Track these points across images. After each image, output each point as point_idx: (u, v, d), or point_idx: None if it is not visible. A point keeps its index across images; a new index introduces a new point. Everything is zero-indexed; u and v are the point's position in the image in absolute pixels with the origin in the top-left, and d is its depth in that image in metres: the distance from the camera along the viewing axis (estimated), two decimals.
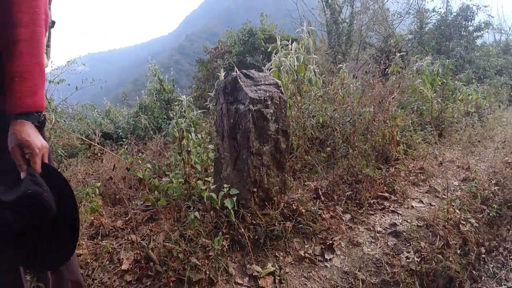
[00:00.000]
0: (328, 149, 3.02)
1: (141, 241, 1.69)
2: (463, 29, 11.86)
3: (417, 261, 1.82)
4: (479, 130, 5.05)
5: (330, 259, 1.73)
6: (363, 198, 2.30)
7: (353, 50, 12.21)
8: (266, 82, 1.79)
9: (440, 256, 1.91)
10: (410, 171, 3.01)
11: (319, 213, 1.98)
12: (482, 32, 12.02)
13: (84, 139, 3.75)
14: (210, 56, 9.76)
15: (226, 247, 1.60)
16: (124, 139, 4.76)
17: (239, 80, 1.72)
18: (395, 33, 13.07)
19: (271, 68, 3.27)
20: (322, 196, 2.25)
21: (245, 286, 1.51)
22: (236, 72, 1.80)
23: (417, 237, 2.00)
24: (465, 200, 2.56)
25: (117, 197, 2.41)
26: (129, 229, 1.88)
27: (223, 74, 3.74)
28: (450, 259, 1.94)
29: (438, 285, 1.88)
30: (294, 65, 3.22)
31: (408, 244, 1.94)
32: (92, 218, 1.99)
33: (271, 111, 1.73)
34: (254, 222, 1.75)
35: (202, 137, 2.37)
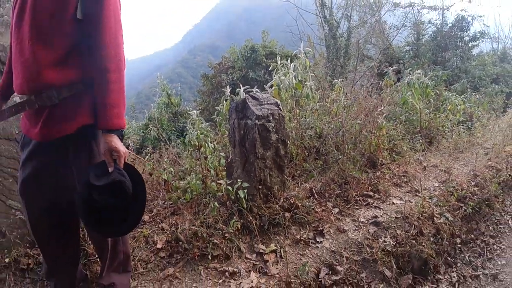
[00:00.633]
0: (324, 157, 3.46)
1: (170, 228, 2.13)
2: (458, 39, 12.26)
3: (393, 244, 2.24)
4: (468, 138, 5.44)
5: (321, 241, 2.17)
6: (350, 196, 2.74)
7: (351, 63, 12.69)
8: (269, 102, 2.28)
9: (414, 242, 2.33)
10: (395, 174, 3.43)
11: (312, 207, 2.43)
12: (477, 42, 12.47)
13: None
14: (214, 71, 10.35)
15: (238, 230, 2.04)
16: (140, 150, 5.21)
17: (247, 101, 2.20)
18: (392, 45, 13.51)
19: (272, 86, 3.75)
20: (315, 194, 2.69)
21: (253, 260, 1.96)
22: (245, 94, 2.27)
23: (394, 226, 2.42)
24: (442, 198, 2.98)
25: None
26: (158, 220, 2.32)
27: (229, 90, 4.20)
28: (423, 244, 2.35)
29: (413, 266, 2.29)
30: (293, 83, 3.69)
31: (386, 232, 2.37)
32: None
33: (273, 124, 2.21)
34: (260, 212, 2.20)
35: (215, 146, 2.82)
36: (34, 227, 1.53)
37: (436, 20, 13.17)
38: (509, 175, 3.90)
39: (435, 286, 2.17)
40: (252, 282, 1.78)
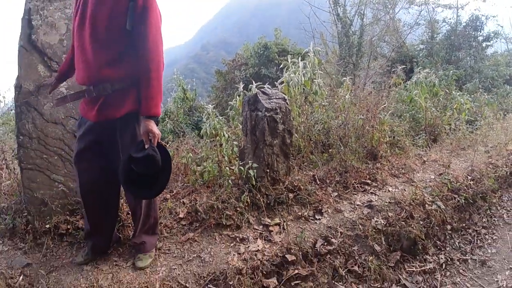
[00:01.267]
0: (329, 150, 3.76)
1: (190, 202, 2.49)
2: (472, 39, 12.21)
3: (383, 223, 2.53)
4: (472, 136, 5.60)
5: (319, 218, 2.49)
6: (349, 182, 3.04)
7: (364, 60, 12.78)
8: (277, 97, 2.61)
9: (404, 223, 2.60)
10: (394, 166, 3.70)
11: (314, 190, 2.74)
12: (491, 42, 12.39)
13: None
14: (227, 68, 10.70)
15: (248, 206, 2.38)
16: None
17: (258, 95, 2.54)
18: (406, 43, 13.49)
19: (282, 83, 4.06)
20: (317, 180, 3.01)
21: (260, 230, 2.30)
22: (256, 90, 2.60)
23: (387, 210, 2.71)
24: (436, 189, 3.23)
25: None
26: (178, 197, 2.68)
27: (242, 86, 4.52)
28: (413, 226, 2.61)
29: (403, 245, 2.57)
30: (302, 80, 4.00)
31: (378, 214, 2.66)
32: None
33: (280, 116, 2.54)
34: (267, 192, 2.54)
35: (229, 135, 3.16)
36: (83, 191, 1.92)
37: (450, 19, 13.11)
38: (508, 171, 4.08)
39: (423, 264, 2.41)
40: (258, 246, 2.12)
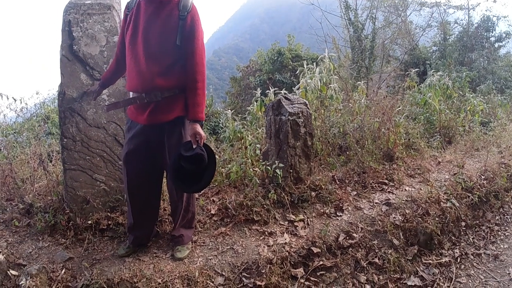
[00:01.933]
0: (346, 152, 3.92)
1: (219, 200, 2.70)
2: (484, 40, 12.17)
3: (401, 219, 2.69)
4: (485, 137, 5.66)
5: (340, 215, 2.66)
6: (367, 182, 3.20)
7: (377, 64, 12.83)
8: (298, 102, 2.81)
9: (420, 219, 2.75)
10: (409, 167, 3.84)
11: (334, 189, 2.92)
12: (503, 42, 12.31)
13: None
14: (242, 74, 10.96)
15: (274, 203, 2.58)
16: None
17: (282, 101, 2.75)
18: (419, 46, 13.48)
19: (299, 88, 4.26)
20: (337, 181, 3.18)
21: (286, 225, 2.49)
22: (278, 95, 2.81)
23: (404, 207, 2.86)
24: (450, 187, 3.36)
25: None
26: (208, 196, 2.89)
27: (259, 92, 4.72)
28: (429, 222, 2.76)
29: (419, 240, 2.71)
30: (318, 86, 4.18)
31: (396, 211, 2.81)
32: None
33: (302, 120, 2.73)
34: (290, 191, 2.73)
35: (251, 139, 3.37)
36: (130, 188, 2.14)
37: (462, 20, 13.09)
38: None
39: (439, 258, 2.56)
40: (285, 239, 2.31)
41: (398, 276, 2.30)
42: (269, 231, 2.41)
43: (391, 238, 2.53)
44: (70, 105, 2.49)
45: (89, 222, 2.49)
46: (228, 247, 2.29)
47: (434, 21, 13.75)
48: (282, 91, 4.30)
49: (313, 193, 2.75)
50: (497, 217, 3.49)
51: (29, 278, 1.99)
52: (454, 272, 2.47)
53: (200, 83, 1.97)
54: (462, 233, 3.03)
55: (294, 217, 2.56)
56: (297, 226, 2.47)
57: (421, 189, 3.26)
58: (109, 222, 2.53)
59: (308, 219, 2.54)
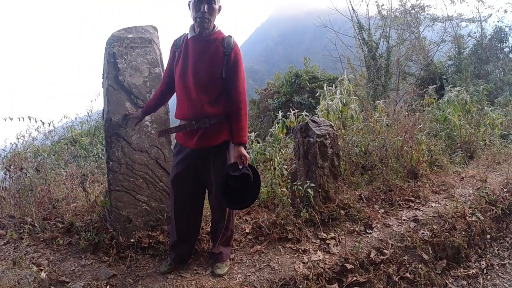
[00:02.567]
0: (369, 171, 4.02)
1: (251, 220, 2.85)
2: (499, 51, 12.11)
3: (429, 235, 2.76)
4: (506, 150, 5.61)
5: (370, 233, 2.76)
6: (394, 200, 3.29)
7: (393, 81, 12.88)
8: (325, 124, 2.97)
9: (448, 234, 2.82)
10: (434, 184, 3.89)
11: (362, 208, 3.02)
12: None
13: None
14: (260, 96, 11.25)
15: (305, 222, 2.70)
16: None
17: (309, 124, 2.92)
18: (434, 61, 13.48)
19: (321, 110, 4.43)
20: (364, 199, 3.28)
21: (318, 243, 2.61)
22: (307, 119, 3.00)
23: (431, 223, 2.92)
24: (475, 202, 3.40)
25: None
26: (240, 215, 3.04)
27: (280, 114, 4.89)
28: (456, 236, 2.82)
29: (447, 254, 2.78)
30: (339, 107, 4.35)
31: (424, 227, 2.88)
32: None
33: (329, 141, 2.89)
34: (320, 210, 2.85)
35: (278, 160, 3.53)
36: (176, 207, 2.34)
37: (475, 33, 13.09)
38: None
39: (466, 270, 2.64)
40: (319, 256, 2.42)
41: None
42: (302, 248, 2.53)
43: (421, 253, 2.60)
44: (116, 130, 2.67)
45: (132, 240, 2.62)
46: (265, 264, 2.42)
47: (448, 35, 13.81)
48: (303, 113, 4.49)
49: (342, 212, 2.87)
50: None
51: None
52: (481, 283, 2.56)
53: (243, 110, 2.21)
54: (488, 245, 3.09)
55: (325, 235, 2.67)
56: (329, 243, 2.58)
57: (446, 205, 3.31)
58: (150, 241, 2.66)
59: (339, 237, 2.65)
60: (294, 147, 3.09)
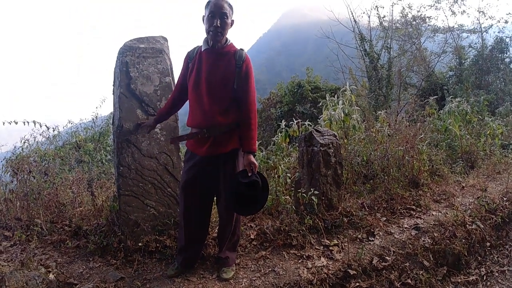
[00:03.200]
0: (371, 180, 4.09)
1: (256, 226, 2.92)
2: (499, 61, 12.18)
3: (430, 242, 2.83)
4: (506, 159, 5.66)
5: (372, 240, 2.82)
6: (396, 208, 3.36)
7: (394, 91, 13.01)
8: (328, 134, 3.07)
9: (448, 242, 2.88)
10: (435, 193, 3.96)
11: (364, 215, 3.09)
12: None
13: None
14: (263, 106, 11.40)
15: (309, 229, 2.77)
16: None
17: (313, 133, 3.01)
18: (435, 72, 13.60)
19: (324, 120, 4.53)
20: (366, 207, 3.35)
21: (321, 250, 2.68)
22: (311, 128, 3.08)
23: (432, 231, 2.99)
24: (475, 210, 3.46)
25: None
26: (244, 222, 3.11)
27: (284, 123, 4.99)
28: (456, 244, 2.89)
29: (448, 261, 2.84)
30: (341, 117, 4.45)
31: (425, 234, 2.94)
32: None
33: (332, 150, 2.98)
34: (324, 217, 2.92)
35: (282, 168, 3.62)
36: (186, 212, 2.42)
37: (476, 43, 13.22)
38: None
39: (466, 277, 2.71)
40: (322, 262, 2.49)
41: None
42: (306, 254, 2.60)
43: (422, 260, 2.67)
44: (127, 137, 2.74)
45: (139, 244, 2.67)
46: (270, 269, 2.48)
47: (449, 46, 13.91)
48: (305, 122, 4.58)
49: (345, 219, 2.94)
50: None
51: None
52: None
53: (253, 119, 2.31)
54: (487, 252, 3.16)
55: (328, 242, 2.74)
56: (333, 250, 2.64)
57: (447, 213, 3.38)
58: (158, 245, 2.71)
59: (342, 244, 2.72)
60: (298, 156, 3.18)
